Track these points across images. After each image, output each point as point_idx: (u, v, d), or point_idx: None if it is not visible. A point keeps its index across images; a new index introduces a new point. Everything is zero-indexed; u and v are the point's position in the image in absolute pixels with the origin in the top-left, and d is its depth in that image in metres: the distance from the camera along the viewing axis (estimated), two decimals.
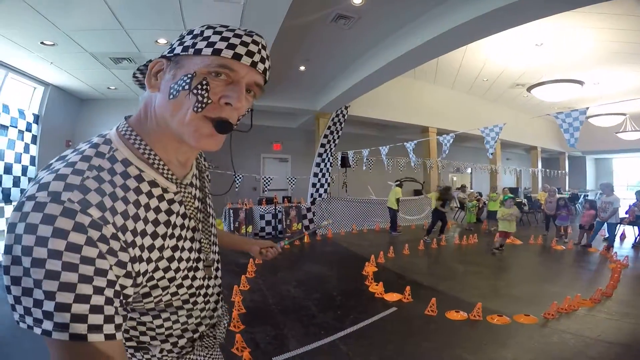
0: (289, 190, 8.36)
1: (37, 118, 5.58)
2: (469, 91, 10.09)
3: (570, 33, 6.05)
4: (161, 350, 0.65)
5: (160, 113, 0.56)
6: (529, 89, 9.23)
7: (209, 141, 0.56)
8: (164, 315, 0.63)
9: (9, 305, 0.44)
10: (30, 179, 5.44)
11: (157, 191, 0.57)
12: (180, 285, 0.62)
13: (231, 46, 0.54)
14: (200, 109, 0.53)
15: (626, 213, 6.35)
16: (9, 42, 3.98)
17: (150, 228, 0.54)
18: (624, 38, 6.06)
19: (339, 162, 8.35)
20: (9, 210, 5.08)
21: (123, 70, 5.19)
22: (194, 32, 0.56)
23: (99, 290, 0.44)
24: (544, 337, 2.58)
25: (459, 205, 10.28)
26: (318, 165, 7.99)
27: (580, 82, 8.38)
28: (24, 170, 5.35)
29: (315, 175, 7.96)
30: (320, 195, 7.95)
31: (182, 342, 0.68)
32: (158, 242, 0.55)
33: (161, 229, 0.56)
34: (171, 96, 0.54)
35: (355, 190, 9.82)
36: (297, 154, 10.63)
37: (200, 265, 0.67)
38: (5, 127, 4.87)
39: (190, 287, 0.64)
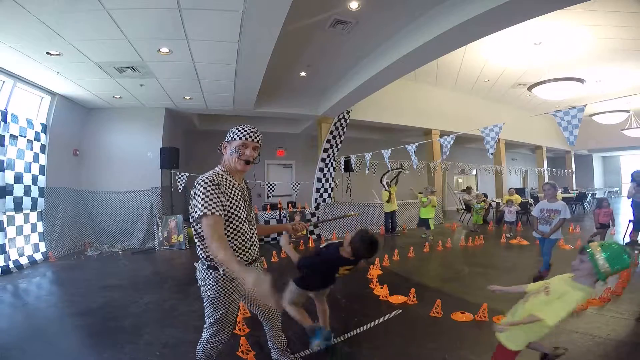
0: (293, 196, 8.38)
1: (45, 127, 5.65)
2: (470, 92, 10.07)
3: (567, 31, 6.04)
4: (224, 270, 1.56)
5: (228, 159, 1.66)
6: (530, 88, 9.19)
7: (243, 167, 1.67)
8: (234, 241, 1.60)
9: None
10: (40, 189, 5.51)
11: (231, 183, 1.64)
12: (242, 222, 1.64)
13: (244, 136, 1.65)
14: (239, 158, 1.65)
15: (629, 197, 5.76)
16: (16, 53, 4.08)
17: (230, 192, 1.60)
18: (623, 35, 6.02)
19: (342, 167, 8.37)
20: (19, 218, 5.14)
21: (127, 79, 5.27)
22: (232, 132, 1.67)
23: (219, 201, 1.51)
24: (551, 336, 2.53)
25: (464, 207, 10.21)
26: (321, 170, 8.01)
27: (580, 80, 8.33)
28: (34, 180, 5.39)
29: (319, 180, 7.97)
30: (324, 200, 7.95)
31: None
32: (232, 197, 1.61)
33: (233, 194, 1.62)
34: (230, 154, 1.67)
35: (359, 195, 9.81)
36: (301, 160, 10.67)
37: (249, 218, 1.72)
38: (14, 137, 4.94)
39: (245, 225, 1.66)
